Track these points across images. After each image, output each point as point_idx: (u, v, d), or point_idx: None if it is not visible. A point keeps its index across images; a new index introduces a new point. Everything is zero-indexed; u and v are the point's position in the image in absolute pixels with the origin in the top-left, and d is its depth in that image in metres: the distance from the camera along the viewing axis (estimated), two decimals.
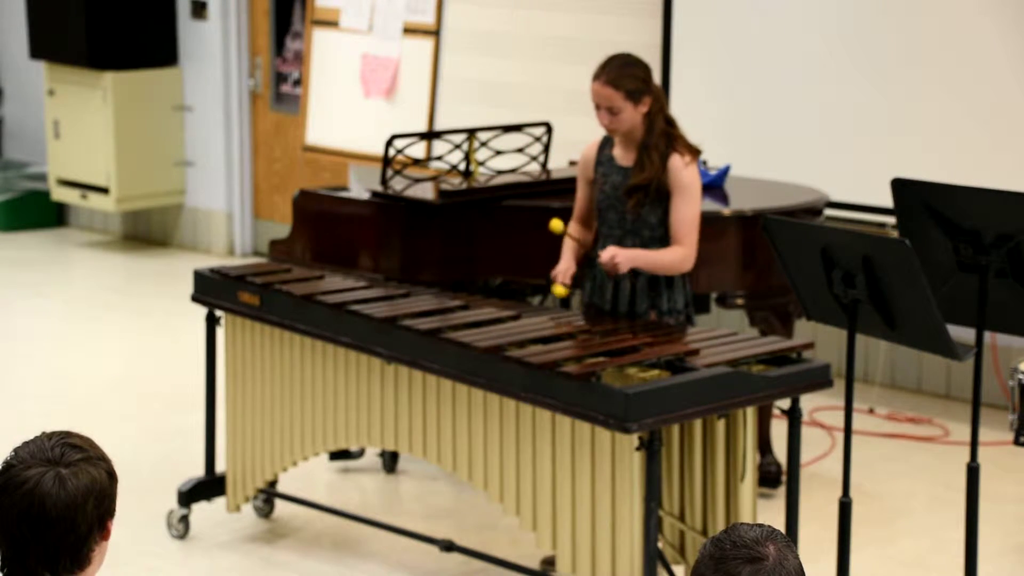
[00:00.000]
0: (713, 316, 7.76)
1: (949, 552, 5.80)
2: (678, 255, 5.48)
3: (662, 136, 5.48)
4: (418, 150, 8.39)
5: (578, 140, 5.77)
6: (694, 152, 5.51)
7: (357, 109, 9.14)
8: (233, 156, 10.45)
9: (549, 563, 5.60)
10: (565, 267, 5.66)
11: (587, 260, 5.72)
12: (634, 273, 5.53)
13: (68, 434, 2.82)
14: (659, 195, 5.47)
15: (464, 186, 6.45)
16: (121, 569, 5.67)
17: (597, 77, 5.48)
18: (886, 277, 4.42)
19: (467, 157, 6.59)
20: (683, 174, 5.45)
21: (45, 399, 7.69)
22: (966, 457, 4.77)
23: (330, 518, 6.13)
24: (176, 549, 5.98)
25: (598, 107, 5.48)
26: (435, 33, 8.79)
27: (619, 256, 5.41)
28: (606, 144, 5.64)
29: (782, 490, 5.94)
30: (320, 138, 9.35)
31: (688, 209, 5.46)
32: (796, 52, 7.59)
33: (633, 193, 5.48)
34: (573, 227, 5.77)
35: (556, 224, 5.65)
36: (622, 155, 5.57)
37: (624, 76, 5.45)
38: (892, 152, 7.31)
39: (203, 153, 10.54)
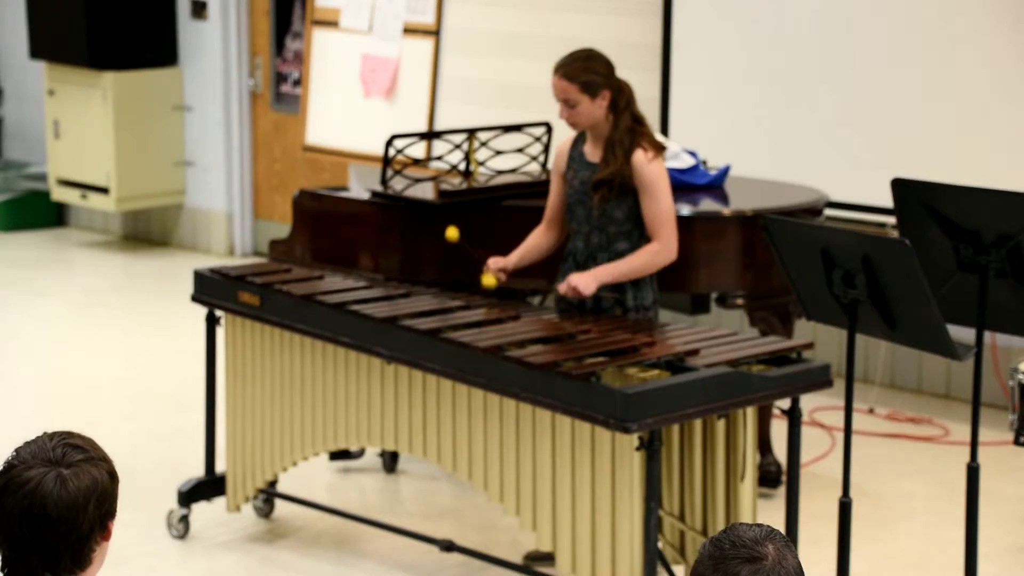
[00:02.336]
0: (713, 316, 7.76)
1: (949, 552, 5.80)
2: (649, 252, 5.51)
3: (627, 132, 5.52)
4: (418, 150, 8.40)
5: None
6: (658, 148, 5.55)
7: (357, 109, 9.15)
8: (233, 156, 10.45)
9: (532, 559, 5.63)
10: (504, 261, 5.72)
11: (561, 254, 5.74)
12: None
13: (69, 434, 2.82)
14: (623, 190, 5.52)
15: (464, 186, 6.45)
16: (121, 569, 5.67)
17: (556, 71, 5.54)
18: (886, 277, 4.41)
19: (467, 157, 6.59)
20: (646, 170, 5.49)
21: (45, 399, 7.69)
22: (966, 457, 4.76)
23: (330, 518, 6.13)
24: (176, 549, 5.98)
25: (557, 100, 5.53)
26: (435, 33, 8.80)
27: (579, 283, 5.44)
28: (579, 140, 5.68)
29: (782, 490, 5.94)
30: (320, 138, 9.36)
31: (656, 204, 5.50)
32: (796, 52, 7.59)
33: (598, 188, 5.53)
34: (540, 229, 5.79)
35: (452, 232, 5.81)
36: (591, 151, 5.62)
37: (581, 69, 5.50)
38: (892, 152, 7.31)
39: (203, 153, 10.54)
